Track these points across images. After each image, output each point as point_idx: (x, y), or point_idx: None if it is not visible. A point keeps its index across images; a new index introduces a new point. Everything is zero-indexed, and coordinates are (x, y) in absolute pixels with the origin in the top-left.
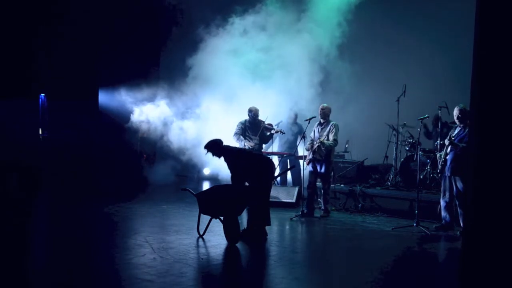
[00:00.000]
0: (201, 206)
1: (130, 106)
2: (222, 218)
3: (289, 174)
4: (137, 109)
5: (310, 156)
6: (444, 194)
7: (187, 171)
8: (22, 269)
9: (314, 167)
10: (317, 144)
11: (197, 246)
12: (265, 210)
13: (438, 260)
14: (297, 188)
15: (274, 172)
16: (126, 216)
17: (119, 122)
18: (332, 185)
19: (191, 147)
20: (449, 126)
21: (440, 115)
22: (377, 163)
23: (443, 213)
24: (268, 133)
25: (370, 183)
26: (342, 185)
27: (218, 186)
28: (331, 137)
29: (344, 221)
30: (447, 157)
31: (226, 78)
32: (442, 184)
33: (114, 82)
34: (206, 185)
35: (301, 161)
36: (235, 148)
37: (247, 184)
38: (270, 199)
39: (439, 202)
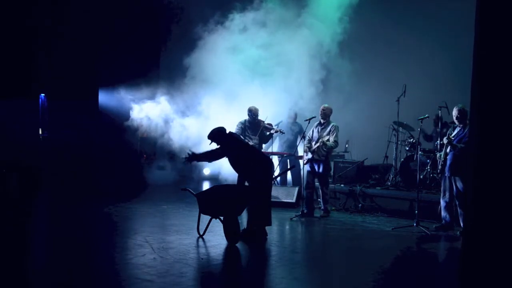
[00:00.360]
0: (201, 206)
1: (129, 105)
2: (222, 218)
3: (289, 174)
4: (136, 106)
5: (309, 156)
6: (444, 194)
7: (187, 171)
8: (22, 269)
9: (312, 167)
10: (318, 144)
11: (197, 246)
12: (265, 210)
13: (438, 260)
14: (297, 188)
15: (273, 172)
16: (126, 216)
17: (119, 121)
18: (332, 185)
19: (192, 145)
20: (449, 126)
21: (440, 115)
22: (377, 163)
23: (443, 213)
24: (268, 133)
25: (370, 183)
26: (342, 185)
27: (218, 186)
28: (331, 138)
29: (344, 221)
30: (447, 157)
31: (226, 76)
32: (442, 184)
33: (114, 82)
34: (206, 185)
35: (301, 161)
36: (240, 139)
37: (247, 184)
38: (271, 199)
39: (439, 202)
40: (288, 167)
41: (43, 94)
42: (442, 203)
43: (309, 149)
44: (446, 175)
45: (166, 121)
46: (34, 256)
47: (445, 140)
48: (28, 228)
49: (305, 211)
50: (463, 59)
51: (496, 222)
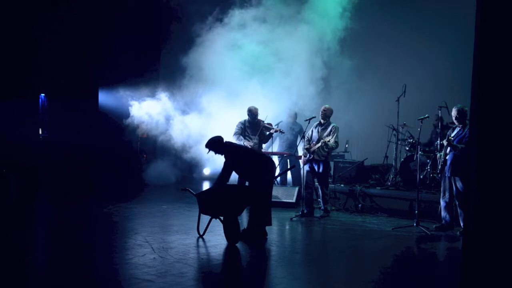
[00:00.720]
0: (201, 206)
1: (129, 103)
2: (222, 218)
3: (289, 174)
4: (136, 103)
5: (309, 156)
6: (444, 194)
7: (187, 171)
8: (21, 269)
9: (312, 167)
10: (319, 144)
11: (197, 246)
12: (265, 210)
13: (438, 260)
14: (297, 188)
15: (274, 171)
16: (126, 216)
17: (119, 121)
18: (332, 185)
19: (194, 144)
20: (449, 127)
21: (440, 115)
22: (377, 163)
23: (443, 213)
24: (268, 133)
25: (370, 183)
26: (342, 185)
27: (218, 186)
28: (332, 139)
29: (344, 221)
30: (446, 157)
31: (226, 73)
32: (442, 184)
33: (114, 81)
34: (206, 185)
35: (301, 161)
36: (238, 145)
37: (247, 184)
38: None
39: (439, 202)
40: (288, 167)
41: (43, 94)
42: (442, 203)
43: (307, 150)
44: (446, 175)
45: (167, 119)
46: (34, 256)
47: (444, 142)
48: (28, 228)
49: (305, 211)
50: (463, 59)
51: (497, 221)
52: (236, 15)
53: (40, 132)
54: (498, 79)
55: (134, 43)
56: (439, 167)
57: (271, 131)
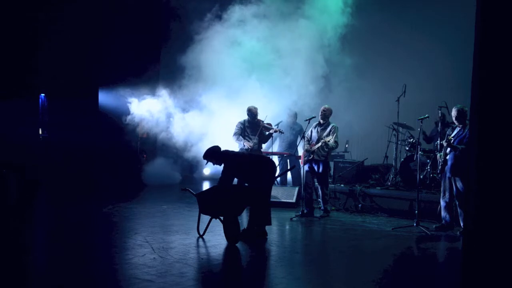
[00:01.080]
0: (201, 206)
1: (129, 101)
2: (222, 218)
3: (289, 174)
4: (135, 100)
5: (309, 156)
6: (444, 194)
7: (187, 171)
8: (21, 269)
9: (312, 168)
10: (319, 144)
11: (197, 246)
12: (265, 210)
13: (438, 260)
14: (297, 188)
15: (275, 172)
16: (126, 216)
17: (119, 120)
18: (332, 185)
19: (194, 143)
20: (451, 125)
21: (440, 114)
22: (377, 163)
23: (443, 213)
24: (267, 133)
25: (370, 183)
26: (342, 185)
27: (218, 186)
28: (332, 139)
29: (344, 221)
30: (447, 157)
31: (226, 72)
32: (442, 184)
33: (114, 81)
34: (206, 185)
35: (301, 161)
36: (235, 152)
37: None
38: (271, 199)
39: (439, 202)
40: (289, 167)
41: (43, 94)
42: (442, 203)
43: (307, 150)
44: (446, 175)
45: (167, 117)
46: (34, 256)
47: (444, 143)
48: (28, 228)
49: (305, 211)
50: (464, 59)
51: (497, 221)
52: (236, 12)
53: (40, 132)
54: (498, 79)
55: (134, 43)
56: (439, 167)
57: (271, 131)
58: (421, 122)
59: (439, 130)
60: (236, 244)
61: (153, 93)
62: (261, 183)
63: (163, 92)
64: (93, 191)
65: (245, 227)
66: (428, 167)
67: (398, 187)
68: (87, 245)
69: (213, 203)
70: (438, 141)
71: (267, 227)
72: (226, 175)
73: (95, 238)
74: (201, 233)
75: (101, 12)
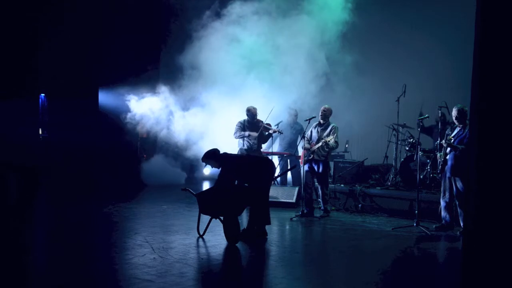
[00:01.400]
0: (201, 206)
1: (129, 99)
2: (222, 218)
3: (289, 174)
4: (134, 97)
5: (309, 156)
6: (444, 194)
7: (187, 170)
8: (21, 269)
9: (312, 167)
10: (320, 144)
11: (197, 246)
12: (265, 209)
13: (438, 260)
14: (297, 188)
15: (274, 172)
16: (126, 216)
17: (119, 120)
18: (332, 185)
19: (194, 143)
20: (450, 125)
21: (440, 114)
22: (377, 163)
23: (443, 213)
24: (267, 133)
25: (370, 183)
26: (342, 185)
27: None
28: (332, 139)
29: (344, 221)
30: (447, 157)
31: (226, 70)
32: (442, 184)
33: (114, 81)
34: (206, 185)
35: (300, 161)
36: (234, 155)
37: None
38: (270, 199)
39: (439, 202)
40: (289, 167)
41: (43, 94)
42: (442, 203)
43: (307, 150)
44: (447, 175)
45: (167, 116)
46: (34, 256)
47: (444, 144)
48: (28, 228)
49: (305, 211)
50: (464, 59)
51: (497, 221)
52: (236, 9)
53: (40, 132)
54: (498, 79)
55: (134, 43)
56: (439, 167)
57: (270, 131)
58: (421, 122)
59: (439, 129)
60: (236, 244)
61: (153, 92)
62: (260, 183)
63: (163, 90)
64: (93, 191)
65: (245, 227)
66: (428, 167)
67: (398, 187)
68: (87, 245)
69: (213, 203)
70: (438, 141)
71: (267, 227)
72: (224, 177)
73: (95, 238)
74: (201, 233)
75: (101, 12)
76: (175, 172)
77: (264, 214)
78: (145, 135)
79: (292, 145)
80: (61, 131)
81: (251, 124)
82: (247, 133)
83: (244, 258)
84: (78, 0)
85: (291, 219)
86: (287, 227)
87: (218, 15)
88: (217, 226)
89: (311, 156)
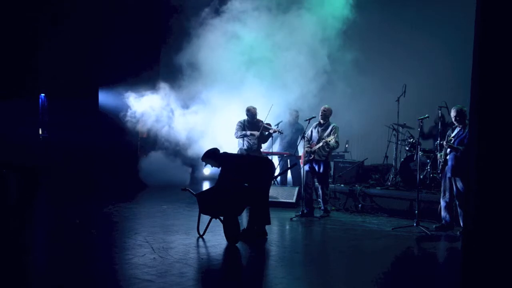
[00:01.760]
0: (201, 206)
1: (128, 97)
2: (222, 218)
3: (289, 174)
4: (134, 95)
5: (309, 157)
6: (444, 194)
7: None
8: (21, 269)
9: (312, 167)
10: (320, 144)
11: (197, 246)
12: (265, 209)
13: (438, 260)
14: (297, 188)
15: (274, 171)
16: (126, 216)
17: (119, 119)
18: (332, 185)
19: (194, 142)
20: (450, 126)
21: (440, 114)
22: (377, 163)
23: (443, 213)
24: (267, 133)
25: (370, 183)
26: (342, 185)
27: (218, 186)
28: (332, 139)
29: (344, 221)
30: (447, 158)
31: (226, 69)
32: (442, 184)
33: (114, 81)
34: (206, 185)
35: (301, 161)
36: (234, 155)
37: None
38: (270, 199)
39: (439, 202)
40: (289, 167)
41: (43, 94)
42: (442, 203)
43: (307, 152)
44: (447, 176)
45: (168, 113)
46: (34, 256)
47: (445, 145)
48: (28, 228)
49: (305, 211)
50: (464, 59)
51: (497, 221)
52: (235, 6)
53: (40, 132)
54: (498, 79)
55: (134, 43)
56: (439, 167)
57: (270, 131)
58: (421, 122)
59: (439, 130)
60: (236, 244)
61: (153, 91)
62: (260, 183)
63: (163, 89)
64: (93, 191)
65: (245, 227)
66: (428, 167)
67: (398, 187)
68: (87, 245)
69: (213, 203)
70: (438, 141)
71: (267, 227)
72: (224, 177)
73: (95, 238)
74: (201, 233)
75: (101, 12)
76: (177, 169)
77: (264, 214)
78: (145, 135)
79: (292, 145)
80: (61, 131)
81: (251, 124)
82: (248, 132)
83: (244, 258)
84: (78, 0)
85: (291, 219)
86: (287, 227)
87: (217, 12)
88: (217, 226)
89: (312, 156)
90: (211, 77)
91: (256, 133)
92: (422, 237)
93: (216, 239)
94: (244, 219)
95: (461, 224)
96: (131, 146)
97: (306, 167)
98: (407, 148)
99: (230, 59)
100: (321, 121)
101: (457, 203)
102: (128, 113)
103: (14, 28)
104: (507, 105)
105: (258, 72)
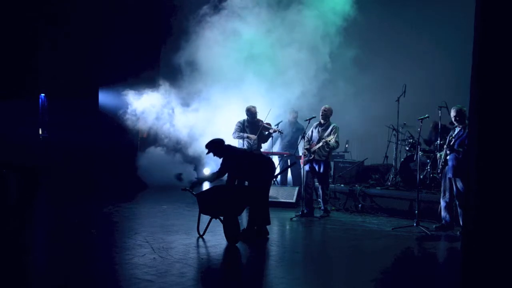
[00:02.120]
0: (201, 206)
1: (128, 95)
2: (222, 218)
3: (289, 173)
4: (134, 93)
5: (310, 157)
6: (444, 194)
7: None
8: (21, 269)
9: (312, 167)
10: (321, 144)
11: (197, 246)
12: (265, 209)
13: (438, 260)
14: (297, 188)
15: (274, 172)
16: (126, 216)
17: (119, 119)
18: (332, 185)
19: (199, 136)
20: (448, 128)
21: (440, 115)
22: (377, 163)
23: (443, 213)
24: (267, 133)
25: (370, 183)
26: (342, 185)
27: (218, 186)
28: (333, 139)
29: (344, 221)
30: (447, 158)
31: (226, 68)
32: (442, 184)
33: (114, 81)
34: (206, 185)
35: (301, 161)
36: (237, 148)
37: (246, 184)
38: (270, 199)
39: (439, 202)
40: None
41: (43, 94)
42: (442, 203)
43: (307, 150)
44: (447, 176)
45: (168, 112)
46: (34, 256)
47: (445, 147)
48: (28, 228)
49: (305, 211)
50: (463, 59)
51: (497, 221)
52: (235, 2)
53: (40, 132)
54: (497, 79)
55: (134, 43)
56: (439, 167)
57: (270, 131)
58: (421, 122)
59: (439, 131)
60: (236, 244)
61: (153, 90)
62: (260, 182)
63: (164, 87)
64: (93, 191)
65: (245, 227)
66: (428, 167)
67: (398, 187)
68: (87, 245)
69: (213, 203)
70: (438, 141)
71: (267, 226)
72: (224, 169)
73: (95, 238)
74: (201, 233)
75: (101, 12)
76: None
77: (265, 214)
78: (145, 135)
79: (292, 145)
80: (61, 131)
81: (251, 124)
82: (245, 134)
83: (244, 258)
84: (78, 0)
85: (291, 219)
86: (287, 227)
87: (217, 8)
88: (217, 226)
89: (312, 156)
90: (211, 74)
91: (253, 136)
92: (422, 237)
93: (216, 239)
94: (244, 219)
95: (461, 224)
96: (131, 146)
97: (307, 167)
98: (407, 148)
99: (230, 56)
100: (322, 121)
101: (457, 203)
102: (128, 111)
103: (14, 28)
104: (507, 105)
105: (258, 70)
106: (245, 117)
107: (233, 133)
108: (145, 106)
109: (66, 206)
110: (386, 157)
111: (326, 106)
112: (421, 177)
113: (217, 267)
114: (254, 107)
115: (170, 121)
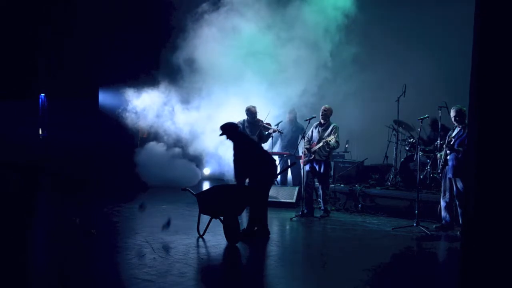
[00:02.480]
0: (201, 206)
1: (128, 95)
2: (222, 218)
3: (289, 173)
4: (134, 92)
5: (310, 157)
6: (444, 194)
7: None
8: (21, 269)
9: (313, 167)
10: (321, 144)
11: (197, 246)
12: (265, 209)
13: (438, 260)
14: (297, 188)
15: (275, 173)
16: (126, 216)
17: (119, 118)
18: (332, 185)
19: (200, 134)
20: (447, 128)
21: (440, 115)
22: (377, 163)
23: (443, 213)
24: (266, 133)
25: (370, 183)
26: (342, 185)
27: (217, 186)
28: (333, 139)
29: (344, 221)
30: (447, 158)
31: (225, 65)
32: (442, 184)
33: (114, 81)
34: (206, 185)
35: (301, 161)
36: (250, 138)
37: (246, 183)
38: (270, 199)
39: (439, 202)
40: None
41: (43, 94)
42: (442, 203)
43: (308, 150)
44: (447, 176)
45: (168, 110)
46: (34, 256)
47: (445, 147)
48: (28, 228)
49: (305, 211)
50: (463, 59)
51: (496, 221)
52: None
53: (40, 132)
54: (497, 79)
55: (134, 43)
56: (440, 167)
57: (270, 131)
58: (421, 122)
59: (439, 129)
60: (236, 244)
61: (152, 90)
62: (259, 181)
63: (164, 85)
64: (93, 191)
65: (245, 227)
66: (428, 167)
67: (398, 187)
68: (87, 245)
69: (213, 203)
70: (438, 141)
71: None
72: (237, 154)
73: (95, 238)
74: (201, 233)
75: (101, 12)
76: (183, 166)
77: (265, 214)
78: (145, 135)
79: (292, 145)
80: (61, 131)
81: (251, 124)
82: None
83: (244, 258)
84: (78, 0)
85: (291, 219)
86: (287, 227)
87: (216, 5)
88: (217, 226)
89: (313, 156)
90: (211, 72)
91: (253, 137)
92: (422, 237)
93: (216, 239)
94: (244, 219)
95: (461, 224)
96: (131, 146)
97: (307, 167)
98: (407, 148)
99: (230, 54)
100: (322, 121)
101: (457, 203)
102: (128, 109)
103: (14, 28)
104: (507, 105)
105: (258, 66)
106: (245, 117)
107: None
108: (145, 104)
109: (66, 206)
110: (386, 157)
111: (326, 106)
112: (421, 177)
113: (217, 267)
114: (254, 107)
115: (171, 119)
